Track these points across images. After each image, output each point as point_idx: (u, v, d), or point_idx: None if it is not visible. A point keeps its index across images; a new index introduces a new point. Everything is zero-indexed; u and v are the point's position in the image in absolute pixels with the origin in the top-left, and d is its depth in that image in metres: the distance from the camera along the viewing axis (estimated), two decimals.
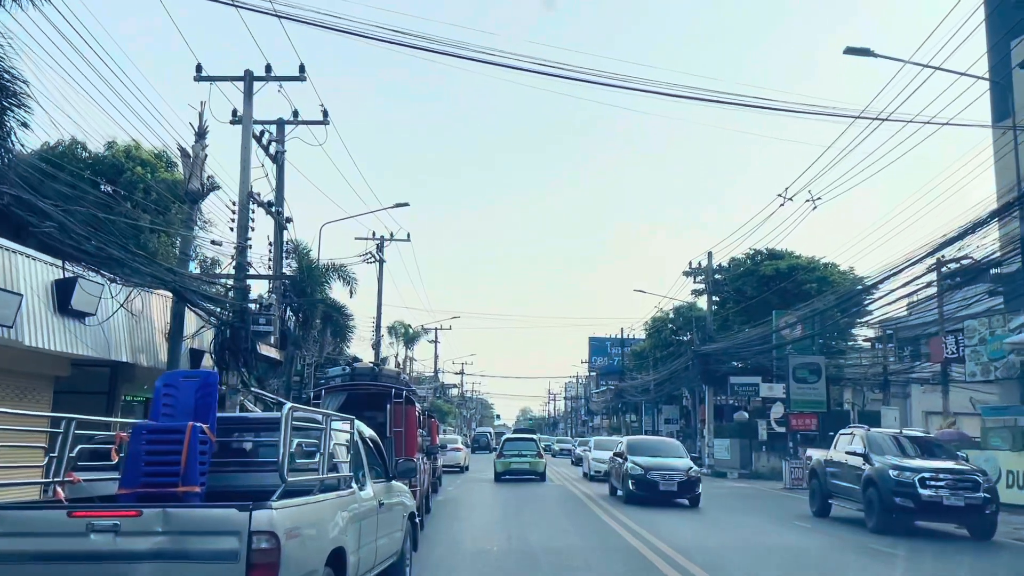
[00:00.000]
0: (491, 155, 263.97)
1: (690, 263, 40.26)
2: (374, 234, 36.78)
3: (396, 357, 45.42)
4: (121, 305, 14.32)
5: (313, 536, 5.65)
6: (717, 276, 39.99)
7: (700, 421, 56.00)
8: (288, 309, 22.74)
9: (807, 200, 26.55)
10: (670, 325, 60.32)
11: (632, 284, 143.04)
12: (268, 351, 19.62)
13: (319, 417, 6.58)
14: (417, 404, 16.03)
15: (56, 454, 6.04)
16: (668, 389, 55.76)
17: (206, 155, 16.50)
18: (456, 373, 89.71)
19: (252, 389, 17.38)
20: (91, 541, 4.93)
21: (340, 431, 7.01)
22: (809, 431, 30.07)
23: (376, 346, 36.66)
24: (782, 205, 27.26)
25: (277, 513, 5.06)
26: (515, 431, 47.36)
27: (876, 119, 15.75)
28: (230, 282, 18.21)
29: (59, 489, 6.05)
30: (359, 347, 37.91)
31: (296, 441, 6.17)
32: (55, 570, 4.99)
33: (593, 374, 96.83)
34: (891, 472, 14.89)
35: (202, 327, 17.80)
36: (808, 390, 29.37)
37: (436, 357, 68.04)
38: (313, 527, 5.69)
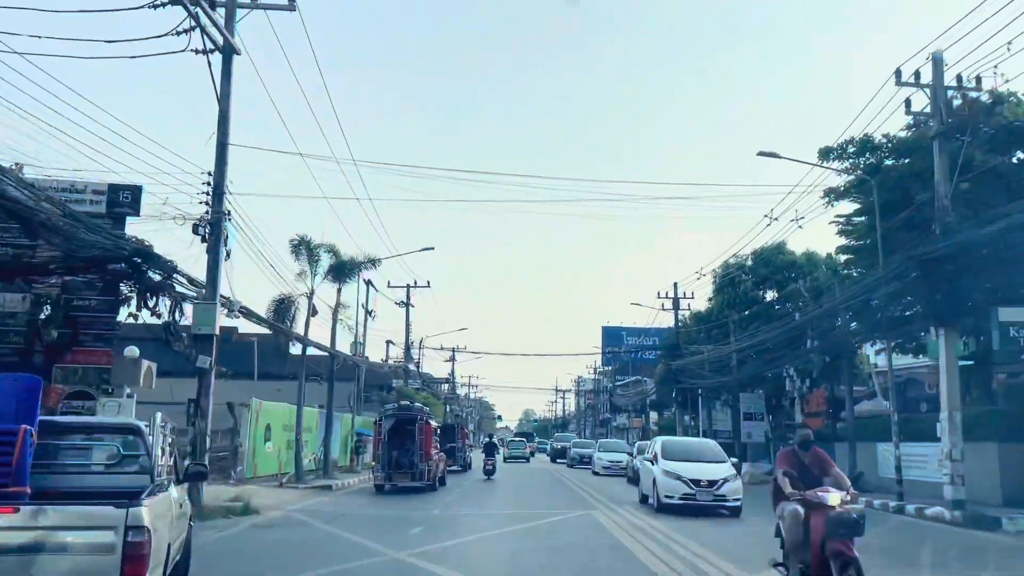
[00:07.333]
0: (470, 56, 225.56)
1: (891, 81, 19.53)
2: None
3: (311, 299, 24.20)
4: None
5: (161, 529, 6.17)
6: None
7: (806, 415, 36.17)
8: None
9: None
10: (746, 277, 40.89)
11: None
12: None
13: (138, 425, 7.70)
14: (433, 422, 27.04)
15: None
16: (750, 369, 35.93)
17: None
18: (447, 360, 68.38)
19: None
20: None
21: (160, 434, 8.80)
22: None
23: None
24: None
25: (147, 509, 5.55)
26: (515, 435, 73.78)
27: None
28: None
29: None
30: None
31: (117, 444, 7.43)
32: None
33: (609, 368, 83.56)
34: None
35: None
36: None
37: (408, 326, 47.37)
38: (161, 520, 6.22)
